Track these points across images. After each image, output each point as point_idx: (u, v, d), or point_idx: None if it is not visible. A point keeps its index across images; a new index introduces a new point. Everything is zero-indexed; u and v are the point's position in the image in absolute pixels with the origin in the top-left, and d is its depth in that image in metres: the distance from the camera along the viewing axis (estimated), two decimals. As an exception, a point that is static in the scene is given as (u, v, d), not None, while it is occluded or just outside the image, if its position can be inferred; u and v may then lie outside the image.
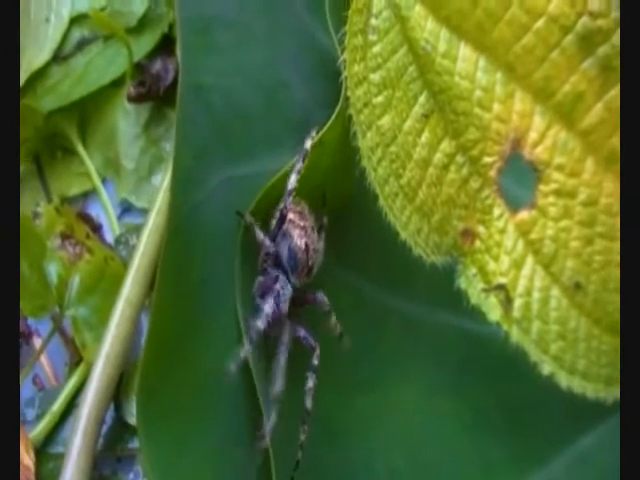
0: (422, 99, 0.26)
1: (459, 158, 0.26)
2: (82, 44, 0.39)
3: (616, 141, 0.26)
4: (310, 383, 0.27)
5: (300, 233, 0.27)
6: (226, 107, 0.28)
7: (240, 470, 0.26)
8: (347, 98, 0.26)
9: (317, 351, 0.27)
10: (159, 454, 0.25)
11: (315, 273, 0.28)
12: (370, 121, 0.26)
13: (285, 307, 0.27)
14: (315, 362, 0.27)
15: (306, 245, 0.27)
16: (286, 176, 0.27)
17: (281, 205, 0.27)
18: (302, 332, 0.27)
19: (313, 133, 0.27)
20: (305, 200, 0.28)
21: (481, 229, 0.27)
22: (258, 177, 0.27)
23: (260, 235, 0.27)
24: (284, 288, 0.27)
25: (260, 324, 0.25)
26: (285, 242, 0.27)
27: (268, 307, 0.26)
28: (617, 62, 0.25)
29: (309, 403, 0.27)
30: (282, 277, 0.27)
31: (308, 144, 0.27)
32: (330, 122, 0.27)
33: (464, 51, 0.26)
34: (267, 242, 0.27)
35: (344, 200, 0.29)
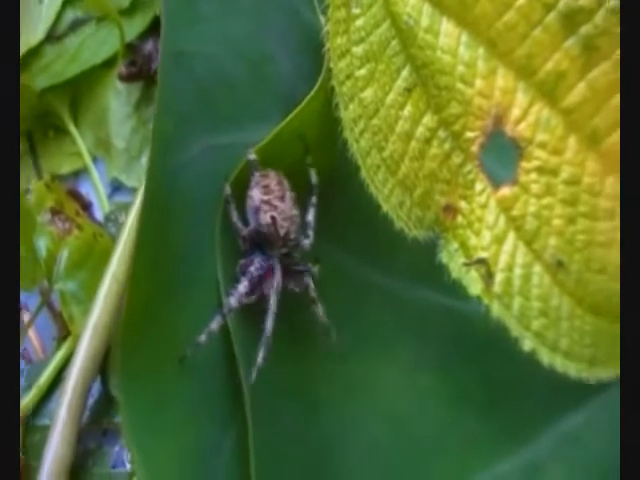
0: (405, 73, 0.26)
1: (441, 133, 0.26)
2: (75, 25, 0.39)
3: (599, 121, 0.26)
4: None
5: (264, 208, 0.27)
6: (210, 75, 0.28)
7: (219, 436, 0.26)
8: (329, 70, 0.26)
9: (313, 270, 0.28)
10: (139, 423, 0.25)
11: (294, 238, 0.28)
12: (352, 93, 0.26)
13: (269, 288, 0.27)
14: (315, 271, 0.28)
15: (272, 218, 0.27)
16: (269, 146, 0.27)
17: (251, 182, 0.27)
18: (291, 283, 0.28)
19: (250, 150, 0.27)
20: (287, 171, 0.28)
21: (463, 204, 0.27)
22: (242, 147, 0.27)
23: (234, 217, 0.27)
24: (261, 269, 0.27)
25: (233, 302, 0.26)
26: (254, 219, 0.27)
27: (242, 287, 0.26)
28: (599, 42, 0.25)
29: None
30: (259, 258, 0.27)
31: (251, 155, 0.27)
32: (312, 93, 0.27)
33: (446, 26, 0.26)
34: (239, 224, 0.27)
35: (327, 172, 0.29)
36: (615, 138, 0.26)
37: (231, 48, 0.29)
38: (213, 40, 0.28)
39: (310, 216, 0.28)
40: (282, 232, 0.27)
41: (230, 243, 0.27)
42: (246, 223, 0.27)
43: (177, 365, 0.25)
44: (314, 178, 0.28)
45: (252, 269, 0.27)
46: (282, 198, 0.27)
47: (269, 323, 0.26)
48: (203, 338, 0.25)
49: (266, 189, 0.27)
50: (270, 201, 0.27)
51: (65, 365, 0.34)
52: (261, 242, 0.27)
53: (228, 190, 0.27)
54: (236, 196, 0.27)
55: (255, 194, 0.27)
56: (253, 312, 0.26)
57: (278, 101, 0.29)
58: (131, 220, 0.33)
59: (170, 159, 0.26)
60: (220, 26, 0.29)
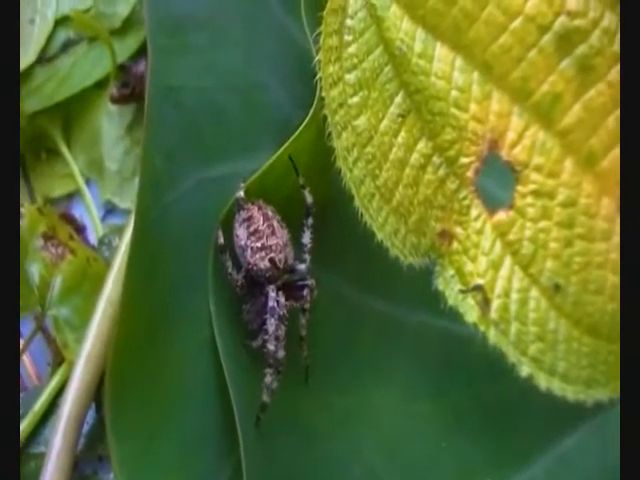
0: (398, 99, 0.25)
1: (436, 159, 0.25)
2: (67, 45, 0.38)
3: (595, 142, 0.25)
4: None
5: (261, 255, 0.26)
6: (199, 108, 0.27)
7: (214, 475, 0.25)
8: (322, 99, 0.25)
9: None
10: (128, 455, 0.24)
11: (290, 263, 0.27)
12: (345, 122, 0.25)
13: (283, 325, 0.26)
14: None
15: (271, 261, 0.26)
16: (262, 178, 0.26)
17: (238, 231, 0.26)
18: (291, 299, 0.27)
19: (242, 184, 0.26)
20: (282, 201, 0.27)
21: (458, 230, 0.26)
22: (234, 178, 0.26)
23: (229, 267, 0.26)
24: (275, 320, 0.26)
25: (272, 348, 0.25)
26: (247, 261, 0.26)
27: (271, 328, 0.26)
28: (595, 62, 0.24)
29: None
30: (260, 300, 0.26)
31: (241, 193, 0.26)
32: (305, 123, 0.26)
33: (440, 51, 0.25)
34: (235, 275, 0.26)
35: (322, 200, 0.28)
36: (611, 158, 0.25)
37: (221, 79, 0.28)
38: (202, 72, 0.27)
39: (306, 238, 0.27)
40: (281, 265, 0.26)
41: (223, 277, 0.26)
42: (237, 264, 0.27)
43: (168, 402, 0.25)
44: (309, 199, 0.27)
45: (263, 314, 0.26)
46: (273, 232, 0.26)
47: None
48: (267, 398, 0.25)
49: (257, 234, 0.26)
50: (264, 245, 0.26)
51: (60, 392, 0.33)
52: (257, 280, 0.27)
53: (221, 239, 0.26)
54: (227, 237, 0.26)
55: (246, 242, 0.26)
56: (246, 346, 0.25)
57: (270, 129, 0.28)
58: (125, 244, 0.31)
59: (160, 197, 0.25)
60: (210, 57, 0.27)
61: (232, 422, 0.24)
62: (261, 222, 0.26)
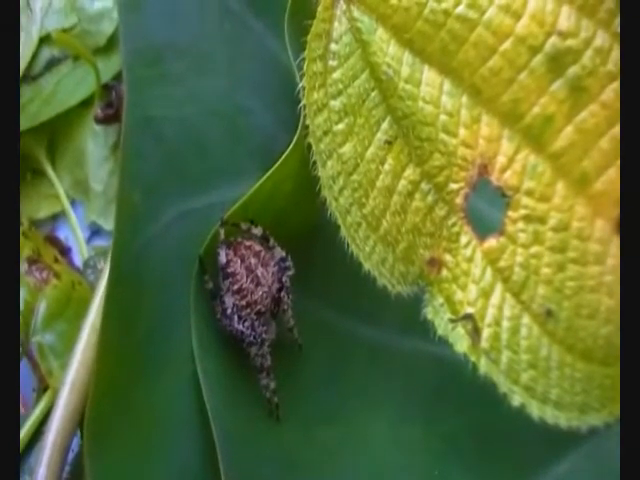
0: (385, 125, 0.24)
1: (424, 185, 0.24)
2: (51, 64, 0.37)
3: (588, 164, 0.24)
4: None
5: (247, 312, 0.25)
6: (180, 138, 0.25)
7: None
8: (306, 126, 0.24)
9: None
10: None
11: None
12: (331, 149, 0.24)
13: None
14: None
15: (258, 312, 0.25)
16: (244, 207, 0.25)
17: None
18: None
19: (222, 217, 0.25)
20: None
21: (448, 257, 0.25)
22: (219, 207, 0.25)
23: (218, 313, 0.25)
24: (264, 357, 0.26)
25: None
26: (242, 329, 0.25)
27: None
28: (587, 82, 0.24)
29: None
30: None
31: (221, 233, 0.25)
32: (288, 151, 0.25)
33: (428, 74, 0.24)
34: (223, 321, 0.25)
35: (308, 228, 0.27)
36: (604, 180, 0.24)
37: (204, 106, 0.26)
38: (184, 100, 0.26)
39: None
40: (266, 309, 0.25)
41: (205, 312, 0.25)
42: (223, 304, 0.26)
43: (148, 446, 0.23)
44: (281, 253, 0.26)
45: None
46: (258, 284, 0.25)
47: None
48: (270, 395, 0.25)
49: (242, 293, 0.25)
50: (249, 302, 0.25)
51: (44, 419, 0.32)
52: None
53: (210, 284, 0.25)
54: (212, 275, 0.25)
55: (231, 301, 0.25)
56: (229, 385, 0.24)
57: (255, 154, 0.27)
58: (109, 267, 0.30)
59: (139, 233, 0.23)
60: (191, 85, 0.26)
61: (215, 459, 0.23)
62: (245, 278, 0.25)
